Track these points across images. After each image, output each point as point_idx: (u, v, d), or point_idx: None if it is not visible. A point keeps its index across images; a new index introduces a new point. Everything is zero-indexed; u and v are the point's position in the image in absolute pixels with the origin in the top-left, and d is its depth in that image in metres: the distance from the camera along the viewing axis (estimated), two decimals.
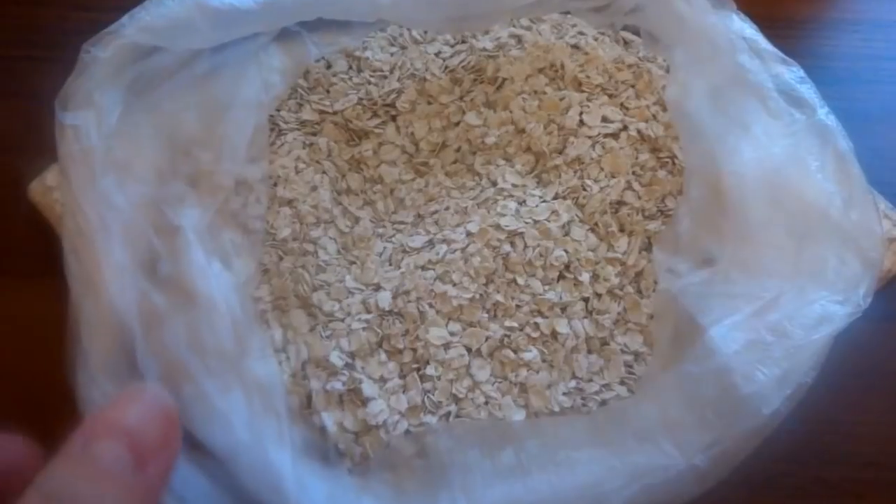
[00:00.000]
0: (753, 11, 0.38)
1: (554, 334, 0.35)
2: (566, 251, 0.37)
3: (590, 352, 0.36)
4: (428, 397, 0.34)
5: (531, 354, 0.35)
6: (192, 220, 0.33)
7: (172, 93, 0.35)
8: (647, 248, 0.38)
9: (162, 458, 0.21)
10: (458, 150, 0.40)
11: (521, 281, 0.36)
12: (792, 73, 0.36)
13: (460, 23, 0.39)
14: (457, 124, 0.41)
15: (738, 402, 0.30)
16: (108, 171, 0.31)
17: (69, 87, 0.30)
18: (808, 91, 0.35)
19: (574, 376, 0.35)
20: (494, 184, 0.39)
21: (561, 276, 0.37)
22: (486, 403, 0.34)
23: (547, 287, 0.36)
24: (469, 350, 0.35)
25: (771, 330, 0.32)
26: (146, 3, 0.32)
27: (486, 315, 0.35)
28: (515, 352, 0.35)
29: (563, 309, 0.36)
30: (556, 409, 0.34)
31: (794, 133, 0.34)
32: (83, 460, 0.19)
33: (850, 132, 0.35)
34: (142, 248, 0.32)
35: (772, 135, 0.35)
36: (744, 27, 0.37)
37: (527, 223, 0.37)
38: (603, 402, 0.35)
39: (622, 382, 0.35)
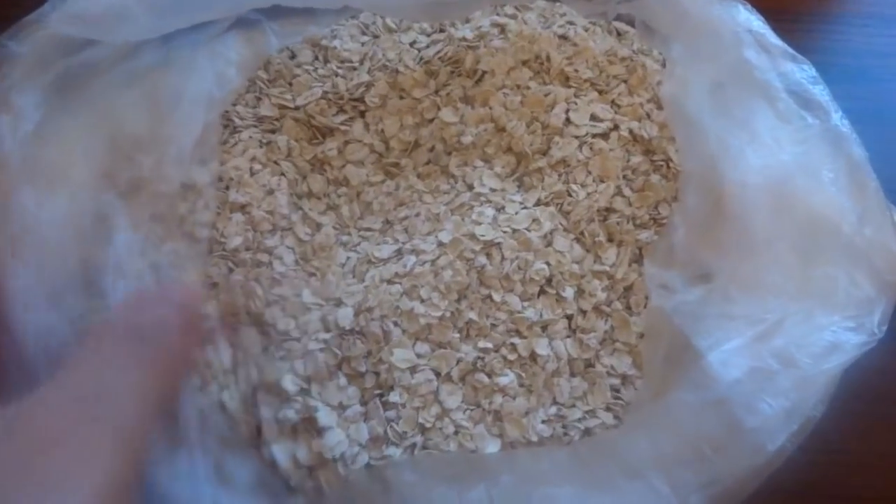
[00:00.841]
0: (758, 3, 0.35)
1: (533, 356, 0.32)
2: (548, 264, 0.33)
3: (573, 375, 0.32)
4: (391, 427, 0.30)
5: (507, 378, 0.31)
6: (128, 233, 0.30)
7: (110, 90, 0.32)
8: (638, 260, 0.35)
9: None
10: (432, 149, 0.37)
11: (497, 297, 0.32)
12: (803, 72, 0.32)
13: (438, 9, 0.36)
14: (431, 121, 0.37)
15: (739, 436, 0.27)
16: (28, 180, 0.27)
17: None
18: (821, 92, 0.32)
19: (555, 402, 0.32)
20: (471, 187, 0.35)
21: (542, 292, 0.33)
22: (457, 433, 0.30)
23: (526, 304, 0.32)
24: (438, 374, 0.31)
25: (776, 357, 0.28)
26: None
27: (457, 335, 0.32)
28: (490, 376, 0.31)
29: (544, 328, 0.32)
30: (535, 438, 0.31)
31: (805, 139, 0.31)
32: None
33: (857, 132, 0.32)
34: (68, 265, 0.28)
35: (781, 140, 0.31)
36: (750, 19, 0.34)
37: (505, 232, 0.33)
38: (586, 431, 0.31)
39: (608, 409, 0.32)
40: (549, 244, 0.34)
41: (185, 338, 0.25)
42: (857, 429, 0.35)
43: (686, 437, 0.28)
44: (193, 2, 0.31)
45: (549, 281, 0.33)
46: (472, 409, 0.31)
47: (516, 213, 0.34)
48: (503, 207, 0.34)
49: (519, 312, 0.32)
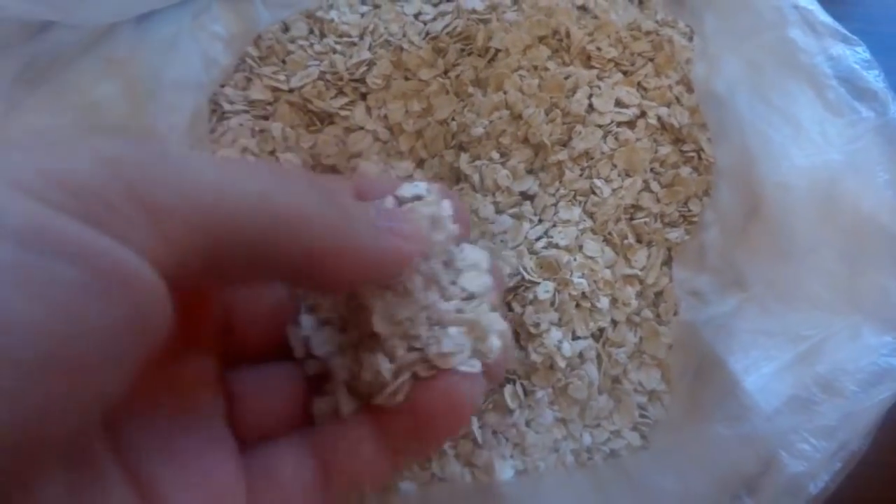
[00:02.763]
0: None
1: (564, 388, 0.29)
2: (583, 275, 0.30)
3: (599, 393, 0.30)
4: None
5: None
6: None
7: (81, 79, 0.28)
8: (668, 262, 0.32)
9: None
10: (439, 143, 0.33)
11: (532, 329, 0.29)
12: (857, 56, 0.29)
13: None
14: (440, 122, 0.33)
15: (777, 478, 0.25)
16: None
17: None
18: (875, 79, 0.28)
19: (584, 425, 0.29)
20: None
21: (577, 306, 0.30)
22: (470, 465, 0.28)
23: (558, 329, 0.30)
24: None
25: (820, 385, 0.26)
26: None
27: None
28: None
29: (580, 356, 0.30)
30: (559, 467, 0.29)
31: (858, 136, 0.28)
32: None
33: None
34: None
35: (829, 136, 0.28)
36: None
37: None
38: (612, 454, 0.29)
39: (635, 428, 0.30)
40: (580, 248, 0.31)
41: None
42: None
43: (718, 475, 0.25)
44: None
45: (583, 294, 0.30)
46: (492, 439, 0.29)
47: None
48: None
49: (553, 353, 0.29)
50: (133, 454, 0.16)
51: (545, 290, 0.30)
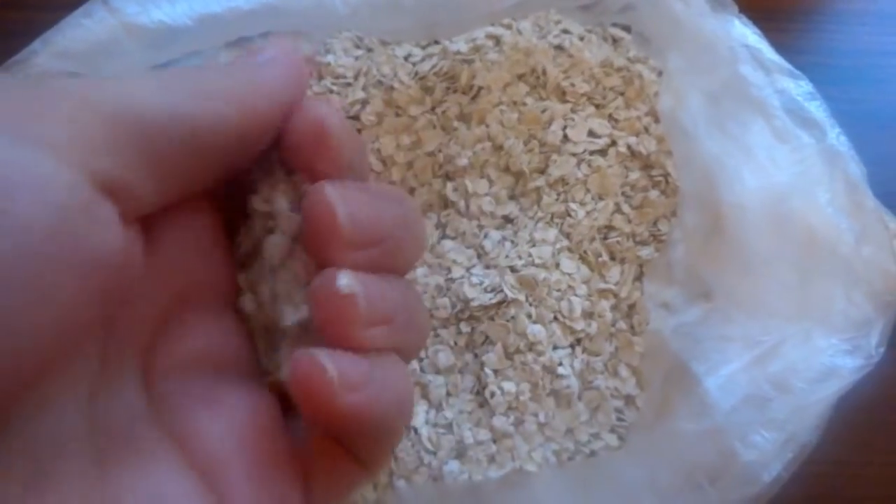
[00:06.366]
0: (751, 3, 0.34)
1: (546, 395, 0.32)
2: (561, 290, 0.33)
3: (579, 399, 0.33)
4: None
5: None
6: None
7: None
8: (639, 277, 0.35)
9: None
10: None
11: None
12: (800, 89, 0.32)
13: (431, 30, 0.35)
14: (428, 153, 0.36)
15: (734, 467, 0.28)
16: None
17: None
18: (817, 110, 0.32)
19: (565, 428, 0.32)
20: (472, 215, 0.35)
21: (555, 318, 0.33)
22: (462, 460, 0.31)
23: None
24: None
25: (772, 383, 0.29)
26: (60, 25, 0.28)
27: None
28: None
29: (561, 363, 0.33)
30: (544, 466, 0.31)
31: (802, 160, 0.31)
32: None
33: (853, 136, 0.32)
34: None
35: (777, 161, 0.31)
36: (746, 33, 0.33)
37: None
38: (592, 454, 0.32)
39: (612, 430, 0.32)
40: (557, 266, 0.34)
41: None
42: (856, 439, 0.35)
43: (682, 467, 0.28)
44: (184, 33, 0.30)
45: (560, 308, 0.33)
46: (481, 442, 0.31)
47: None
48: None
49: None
50: (170, 406, 0.17)
51: (525, 305, 0.32)
